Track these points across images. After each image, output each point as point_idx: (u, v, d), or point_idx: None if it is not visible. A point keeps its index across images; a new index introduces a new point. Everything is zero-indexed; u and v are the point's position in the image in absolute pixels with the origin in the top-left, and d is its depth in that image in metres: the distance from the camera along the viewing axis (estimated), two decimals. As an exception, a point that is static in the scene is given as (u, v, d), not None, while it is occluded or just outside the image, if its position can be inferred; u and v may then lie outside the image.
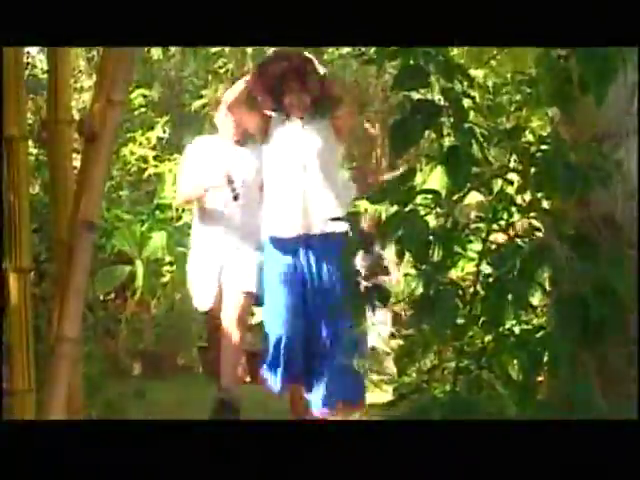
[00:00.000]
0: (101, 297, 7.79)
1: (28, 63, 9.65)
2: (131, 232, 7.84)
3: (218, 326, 5.73)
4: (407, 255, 2.56)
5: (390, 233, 2.55)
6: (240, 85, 5.50)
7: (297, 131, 5.40)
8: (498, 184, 2.61)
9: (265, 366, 5.35)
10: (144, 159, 8.92)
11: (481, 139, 2.58)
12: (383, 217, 3.64)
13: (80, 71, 10.34)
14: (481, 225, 2.63)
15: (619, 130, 2.72)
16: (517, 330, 2.52)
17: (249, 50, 8.95)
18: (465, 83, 2.59)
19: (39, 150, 7.60)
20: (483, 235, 2.61)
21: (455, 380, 2.56)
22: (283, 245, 5.33)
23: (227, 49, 8.97)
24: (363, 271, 2.75)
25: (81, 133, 2.88)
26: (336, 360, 5.15)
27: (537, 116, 3.56)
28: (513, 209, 2.61)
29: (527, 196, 2.61)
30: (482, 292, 2.56)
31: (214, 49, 9.16)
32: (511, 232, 2.60)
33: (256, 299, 5.67)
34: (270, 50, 8.56)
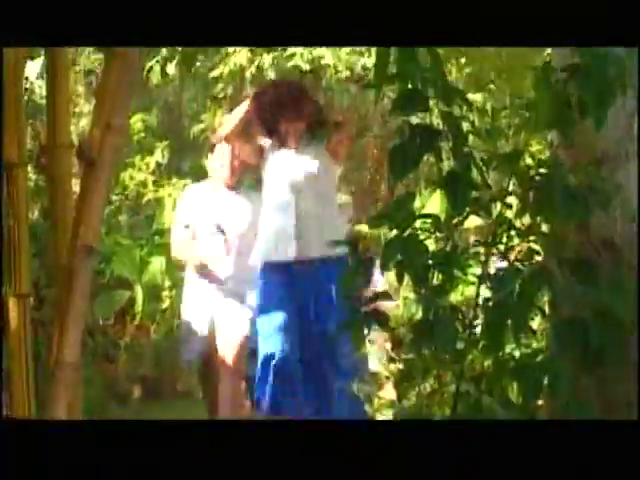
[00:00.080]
0: (101, 322, 7.77)
1: (26, 88, 9.67)
2: (130, 257, 7.84)
3: (209, 376, 5.68)
4: (406, 279, 2.56)
5: (389, 257, 2.55)
6: (235, 115, 5.51)
7: (292, 157, 5.39)
8: (497, 208, 2.62)
9: (259, 392, 5.22)
10: (143, 184, 8.93)
11: (480, 163, 2.58)
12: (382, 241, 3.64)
13: (78, 95, 10.37)
14: (480, 249, 2.63)
15: (618, 153, 2.73)
16: (517, 354, 2.52)
17: (247, 75, 8.98)
18: (464, 107, 2.59)
19: (38, 175, 7.60)
20: (482, 259, 2.61)
21: (455, 404, 2.56)
22: (278, 269, 5.30)
23: (225, 73, 8.99)
24: (363, 295, 2.74)
25: (80, 158, 2.88)
26: (336, 385, 5.13)
27: (536, 140, 3.57)
28: (512, 233, 2.61)
29: (526, 220, 2.61)
30: (482, 316, 2.56)
31: (213, 74, 9.19)
32: (511, 256, 2.60)
33: (251, 351, 5.51)
34: (269, 76, 8.64)
